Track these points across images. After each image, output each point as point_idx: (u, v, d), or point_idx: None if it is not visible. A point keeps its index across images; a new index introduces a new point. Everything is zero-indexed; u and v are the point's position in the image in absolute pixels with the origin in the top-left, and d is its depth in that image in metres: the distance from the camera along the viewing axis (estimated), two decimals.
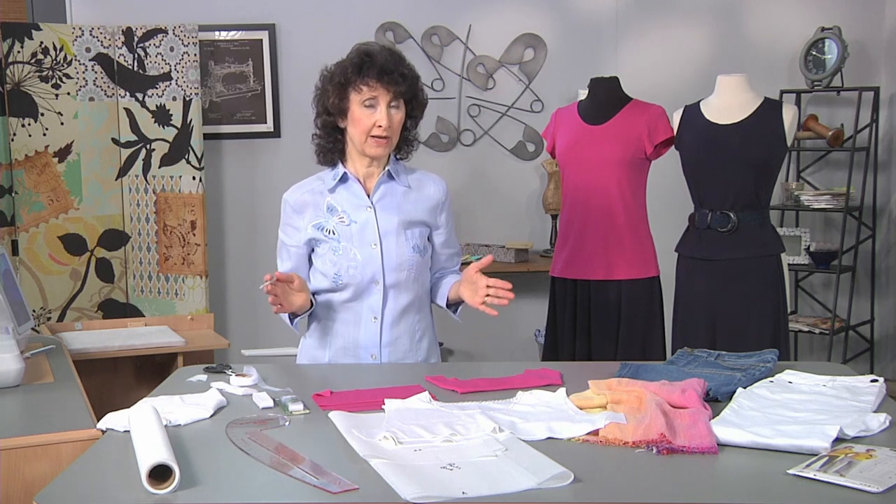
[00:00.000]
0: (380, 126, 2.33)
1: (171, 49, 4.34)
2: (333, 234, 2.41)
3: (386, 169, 2.43)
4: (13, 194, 4.23)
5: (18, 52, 4.19)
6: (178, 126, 4.36)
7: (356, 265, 2.38)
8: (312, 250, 2.47)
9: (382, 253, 2.39)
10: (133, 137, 4.39)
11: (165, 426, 1.75)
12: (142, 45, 4.35)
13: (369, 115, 2.33)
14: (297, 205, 2.45)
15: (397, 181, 2.44)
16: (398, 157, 2.49)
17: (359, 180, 2.43)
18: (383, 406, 1.94)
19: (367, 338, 2.43)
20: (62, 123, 4.28)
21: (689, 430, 1.73)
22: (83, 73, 4.29)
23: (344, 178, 2.43)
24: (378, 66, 2.32)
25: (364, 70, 2.32)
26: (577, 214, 3.49)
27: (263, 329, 4.70)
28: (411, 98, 2.39)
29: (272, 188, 4.72)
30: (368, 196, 2.43)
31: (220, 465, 1.65)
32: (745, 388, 2.02)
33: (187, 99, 4.35)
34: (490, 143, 4.90)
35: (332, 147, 2.43)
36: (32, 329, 2.88)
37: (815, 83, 4.72)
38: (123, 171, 4.41)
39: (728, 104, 3.36)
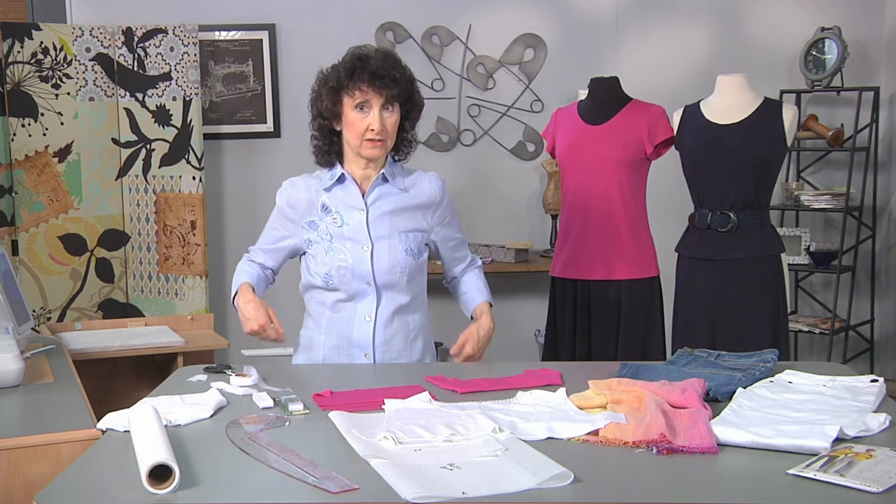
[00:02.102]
0: (372, 129, 2.34)
1: (171, 49, 4.34)
2: (326, 233, 2.42)
3: (381, 172, 2.44)
4: (13, 194, 4.23)
5: (18, 52, 4.19)
6: (178, 126, 4.37)
7: (347, 266, 2.39)
8: (304, 253, 2.48)
9: (373, 255, 2.39)
10: (133, 137, 4.39)
11: (165, 426, 1.75)
12: (142, 45, 4.35)
13: (362, 118, 2.34)
14: (292, 201, 2.47)
15: (392, 183, 2.45)
16: (396, 158, 2.50)
17: (355, 181, 2.44)
18: (383, 406, 1.94)
19: (360, 337, 2.43)
20: (62, 123, 4.28)
21: (689, 430, 1.73)
22: (83, 73, 4.29)
23: (341, 179, 2.44)
24: (370, 70, 2.32)
25: (356, 74, 2.33)
26: (577, 214, 3.49)
27: None
28: (406, 100, 2.40)
29: (272, 188, 4.64)
30: (363, 197, 2.43)
31: (220, 465, 1.65)
32: (745, 388, 2.02)
33: (187, 99, 4.35)
34: (490, 143, 4.90)
35: (328, 149, 2.45)
36: (32, 329, 2.88)
37: (815, 83, 4.72)
38: (123, 171, 4.41)
39: (728, 104, 3.36)
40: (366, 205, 2.43)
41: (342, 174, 2.44)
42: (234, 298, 2.45)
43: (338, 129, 2.41)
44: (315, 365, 2.48)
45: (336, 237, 2.41)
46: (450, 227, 2.55)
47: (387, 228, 2.42)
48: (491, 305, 2.57)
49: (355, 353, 2.45)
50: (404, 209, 2.45)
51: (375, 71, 2.32)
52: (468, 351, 2.45)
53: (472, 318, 2.58)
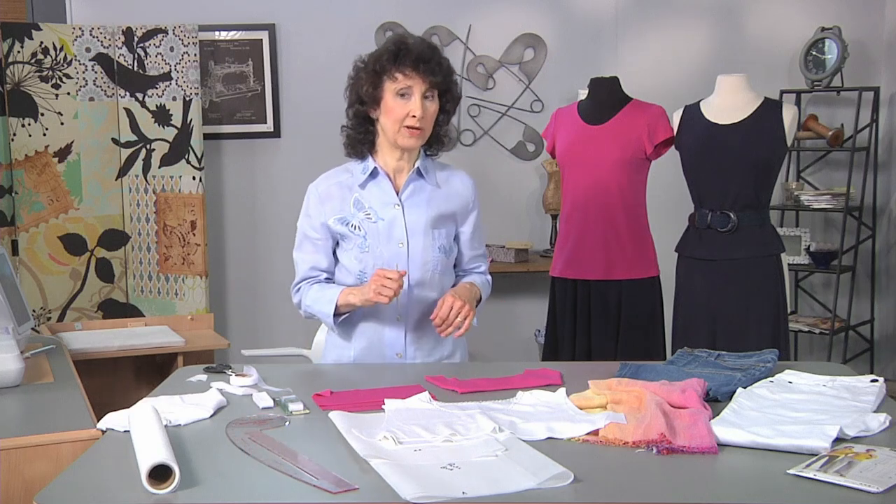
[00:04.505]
0: (413, 116, 2.28)
1: (171, 49, 4.34)
2: (359, 230, 2.36)
3: (416, 166, 2.38)
4: (13, 194, 4.22)
5: (18, 52, 4.19)
6: (178, 126, 4.36)
7: (382, 263, 2.33)
8: (337, 244, 2.41)
9: (409, 252, 2.36)
10: (133, 137, 4.39)
11: (165, 426, 1.75)
12: (142, 45, 4.35)
13: (403, 104, 2.28)
14: (322, 195, 2.39)
15: (426, 179, 2.40)
16: (428, 153, 2.44)
17: (388, 176, 2.39)
18: (383, 406, 1.94)
19: (391, 336, 2.40)
20: (62, 123, 4.28)
21: (689, 430, 1.73)
22: (83, 73, 4.29)
23: (374, 173, 2.38)
24: (414, 54, 2.27)
25: (400, 58, 2.27)
26: (577, 214, 3.49)
27: (263, 329, 4.70)
28: (445, 90, 2.34)
29: (272, 188, 4.73)
30: (397, 193, 2.38)
31: (220, 465, 1.65)
32: (745, 388, 2.02)
33: (187, 99, 4.35)
34: (490, 143, 4.90)
35: (362, 138, 2.38)
36: (32, 329, 2.88)
37: (815, 83, 4.72)
38: (123, 171, 4.41)
39: (728, 104, 3.36)
40: (400, 201, 2.38)
41: (375, 168, 2.38)
42: (335, 317, 2.35)
43: (374, 116, 2.35)
44: (315, 365, 2.48)
45: (371, 234, 2.35)
46: (474, 233, 2.48)
47: (422, 225, 2.37)
48: (479, 300, 2.47)
49: (387, 352, 2.41)
50: (438, 206, 2.39)
51: (420, 55, 2.27)
52: (448, 302, 2.30)
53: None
